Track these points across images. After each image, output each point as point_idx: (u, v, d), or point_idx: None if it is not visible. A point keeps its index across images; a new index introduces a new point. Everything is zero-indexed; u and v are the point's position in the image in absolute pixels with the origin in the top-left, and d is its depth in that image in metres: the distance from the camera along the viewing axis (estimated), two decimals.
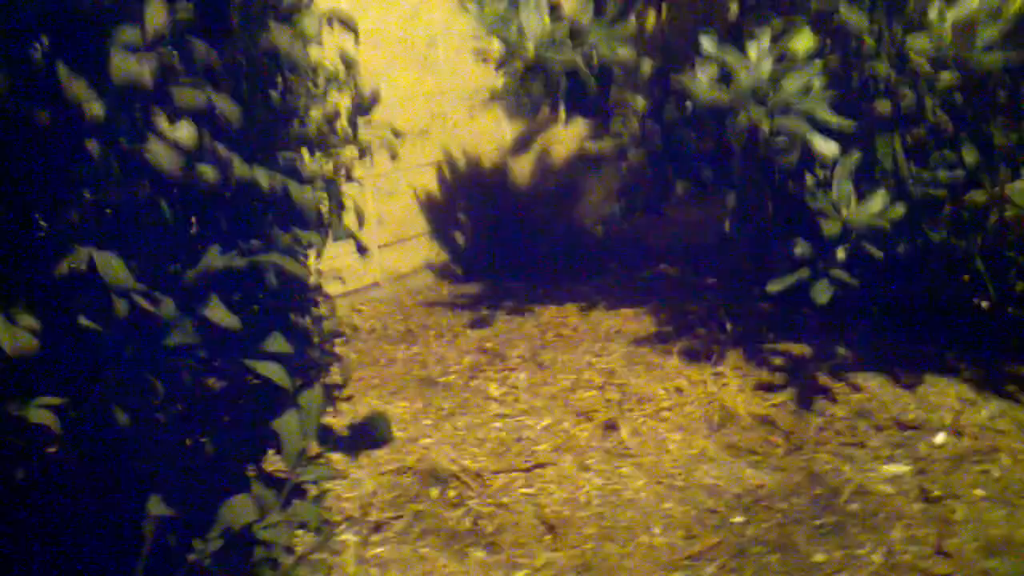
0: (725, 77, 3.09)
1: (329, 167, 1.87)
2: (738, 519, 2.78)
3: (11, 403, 1.24)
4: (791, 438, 3.11)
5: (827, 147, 3.02)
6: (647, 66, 3.43)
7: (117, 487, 1.64)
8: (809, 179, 3.11)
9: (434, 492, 2.84)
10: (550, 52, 3.37)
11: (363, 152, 2.05)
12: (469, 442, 3.10)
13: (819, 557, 2.62)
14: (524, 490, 2.88)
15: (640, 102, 3.46)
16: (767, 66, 2.99)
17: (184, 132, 1.43)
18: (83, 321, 1.33)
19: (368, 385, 3.49)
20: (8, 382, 1.23)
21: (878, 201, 3.03)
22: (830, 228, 3.02)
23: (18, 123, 1.25)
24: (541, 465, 2.99)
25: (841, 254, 3.05)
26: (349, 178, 2.03)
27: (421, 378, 3.53)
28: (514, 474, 2.94)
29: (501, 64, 3.79)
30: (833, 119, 2.98)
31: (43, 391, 1.27)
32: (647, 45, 3.59)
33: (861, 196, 3.08)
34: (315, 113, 1.85)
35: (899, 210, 3.05)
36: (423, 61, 4.44)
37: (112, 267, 1.33)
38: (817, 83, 2.97)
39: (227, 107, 1.49)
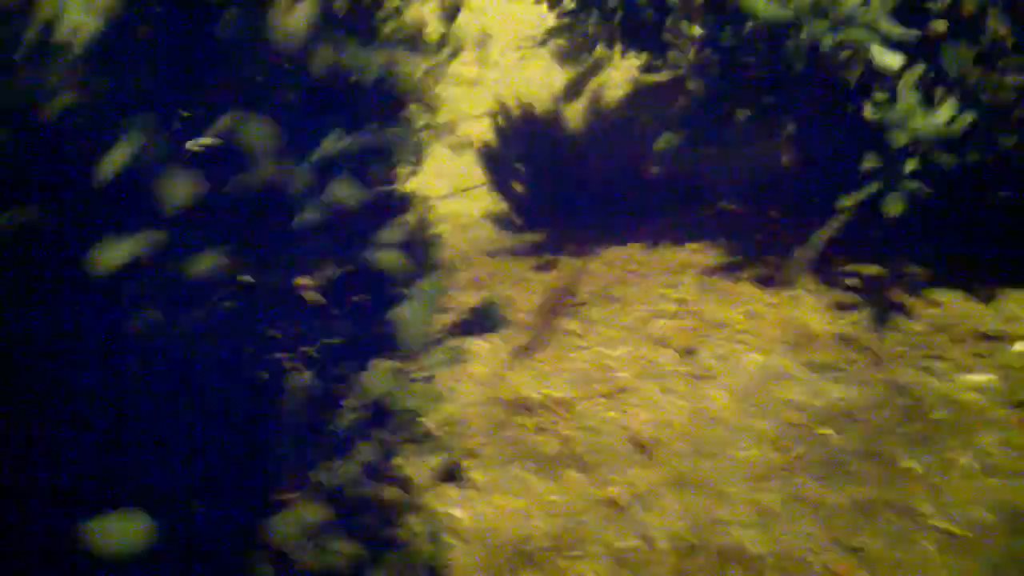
0: None
1: (425, 65, 1.89)
2: (825, 431, 2.79)
3: (179, 259, 1.29)
4: (871, 353, 3.12)
5: (891, 59, 3.00)
6: None
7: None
8: (876, 94, 3.10)
9: (523, 419, 2.87)
10: None
11: (454, 52, 2.07)
12: (551, 373, 3.13)
13: (910, 463, 2.64)
14: (610, 414, 2.91)
15: (697, 30, 3.45)
16: None
17: (306, 8, 1.46)
18: (235, 180, 1.37)
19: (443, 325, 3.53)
20: (173, 236, 1.27)
21: (946, 110, 3.02)
22: (899, 139, 3.00)
23: None
24: (624, 390, 3.01)
25: (911, 165, 3.04)
26: (442, 77, 2.05)
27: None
28: (599, 400, 2.97)
29: (553, 2, 3.80)
30: (896, 29, 2.95)
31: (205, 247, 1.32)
32: None
33: (928, 107, 3.07)
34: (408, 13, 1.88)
35: (968, 117, 3.02)
36: (470, 6, 4.45)
37: (259, 130, 1.37)
38: None
39: None
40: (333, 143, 1.58)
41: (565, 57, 4.66)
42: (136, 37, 1.23)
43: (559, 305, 3.58)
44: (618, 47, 3.70)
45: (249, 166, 1.38)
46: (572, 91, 4.77)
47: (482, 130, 4.58)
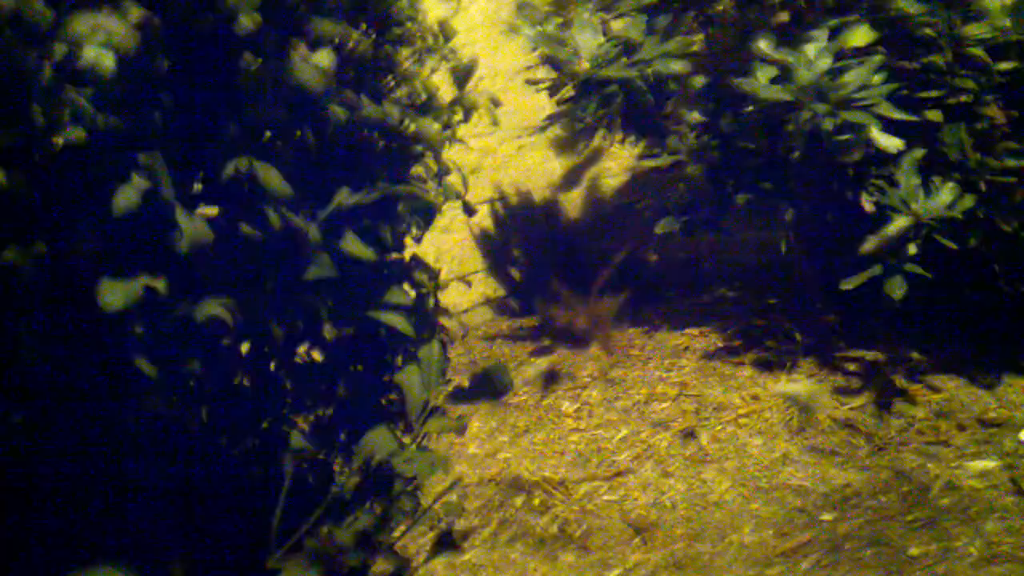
0: (782, 79, 3.10)
1: (437, 126, 1.89)
2: (828, 517, 2.73)
3: (182, 302, 1.25)
4: (873, 439, 3.07)
5: (891, 142, 3.01)
6: (700, 80, 3.45)
7: (260, 413, 1.65)
8: (876, 179, 3.11)
9: (518, 501, 2.81)
10: (605, 68, 3.39)
11: (467, 113, 2.07)
12: (548, 455, 3.07)
13: (915, 551, 2.57)
14: (608, 497, 2.85)
15: (696, 116, 3.47)
16: (826, 62, 2.99)
17: (325, 58, 1.46)
18: (245, 228, 1.35)
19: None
20: (181, 279, 1.24)
21: (947, 193, 3.02)
22: (900, 222, 3.00)
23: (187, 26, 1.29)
24: (622, 473, 2.95)
25: (913, 249, 3.03)
26: (453, 139, 2.05)
27: (492, 401, 3.50)
28: (596, 482, 2.91)
29: (553, 90, 3.82)
30: (896, 113, 2.97)
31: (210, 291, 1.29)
32: (698, 62, 3.61)
33: (927, 191, 3.07)
34: (423, 72, 1.89)
35: (968, 201, 3.02)
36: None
37: (271, 176, 1.35)
38: (877, 77, 2.98)
39: (359, 39, 1.53)
40: (346, 197, 1.56)
41: (563, 146, 4.69)
42: (152, 75, 1.22)
43: (557, 388, 3.54)
44: (618, 133, 3.71)
45: (260, 214, 1.36)
46: (570, 179, 4.79)
47: (481, 217, 4.58)
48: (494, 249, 4.61)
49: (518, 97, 4.59)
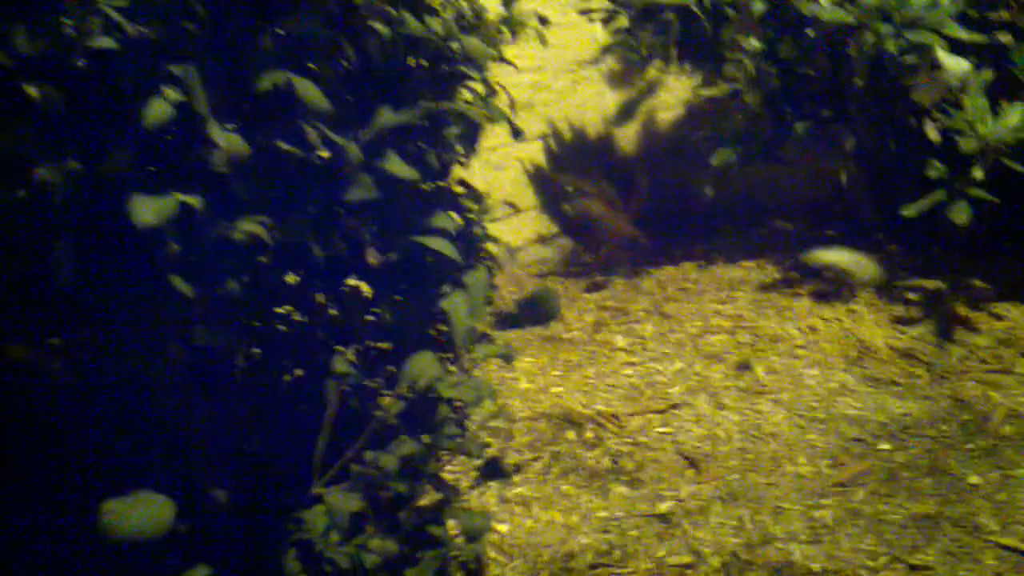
0: (844, 1, 3.00)
1: (483, 45, 1.84)
2: (885, 446, 2.69)
3: (217, 223, 1.24)
4: (933, 368, 3.01)
5: (957, 63, 2.91)
6: (759, 5, 3.35)
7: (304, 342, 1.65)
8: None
9: (570, 434, 2.79)
10: None
11: (515, 33, 2.02)
12: (600, 389, 3.04)
13: (975, 479, 2.52)
14: (661, 429, 2.82)
15: (754, 42, 3.38)
16: None
17: None
18: (283, 146, 1.32)
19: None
20: (217, 198, 1.22)
21: (1016, 116, 2.91)
22: (967, 145, 2.90)
23: None
24: (676, 406, 2.92)
25: (979, 173, 2.93)
26: (501, 60, 2.00)
27: (544, 336, 3.47)
28: (649, 415, 2.88)
29: (607, 20, 3.75)
30: (963, 33, 2.86)
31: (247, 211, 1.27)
32: None
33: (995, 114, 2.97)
34: None
35: None
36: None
37: (309, 91, 1.32)
38: None
39: None
40: (387, 117, 1.52)
41: (618, 79, 4.61)
42: None
43: (610, 322, 3.50)
44: (673, 64, 3.63)
45: (298, 133, 1.33)
46: (624, 113, 4.71)
47: (534, 153, 4.53)
48: (546, 186, 4.55)
49: (571, 31, 4.51)
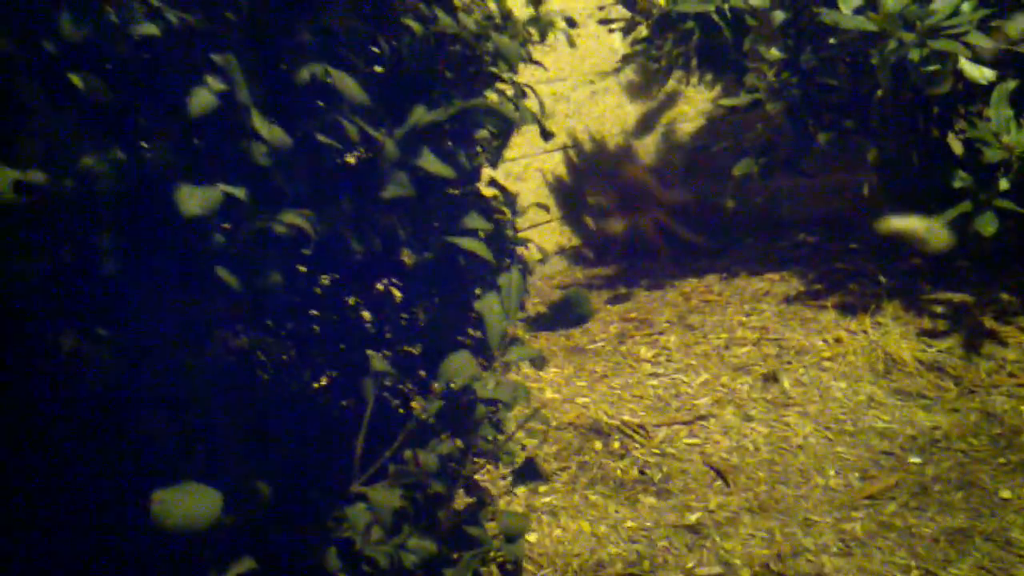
0: (867, 8, 2.99)
1: (514, 44, 1.83)
2: (915, 460, 2.66)
3: (259, 215, 1.22)
4: (962, 381, 2.98)
5: (981, 73, 2.89)
6: (780, 14, 3.34)
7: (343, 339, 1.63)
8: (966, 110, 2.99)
9: (597, 444, 2.77)
10: (681, 3, 3.30)
11: (543, 33, 2.01)
12: (626, 399, 3.02)
13: (1006, 493, 2.49)
14: (688, 440, 2.79)
15: (775, 52, 3.37)
16: None
17: None
18: (321, 138, 1.31)
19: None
20: (259, 189, 1.21)
21: None
22: (992, 155, 2.88)
23: None
24: (703, 417, 2.89)
25: (1004, 183, 2.91)
26: (529, 60, 1.99)
27: (569, 347, 3.46)
28: (676, 426, 2.86)
29: (627, 30, 3.74)
30: (987, 42, 2.85)
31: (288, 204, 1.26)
32: None
33: (1020, 124, 2.95)
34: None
35: None
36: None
37: (347, 84, 1.31)
38: (967, 5, 2.85)
39: None
40: (422, 115, 1.51)
41: (638, 90, 4.61)
42: None
43: (635, 334, 3.48)
44: (694, 74, 3.62)
45: (336, 127, 1.32)
46: (644, 124, 4.71)
47: (554, 164, 4.52)
48: (568, 197, 4.55)
49: (591, 41, 4.51)
